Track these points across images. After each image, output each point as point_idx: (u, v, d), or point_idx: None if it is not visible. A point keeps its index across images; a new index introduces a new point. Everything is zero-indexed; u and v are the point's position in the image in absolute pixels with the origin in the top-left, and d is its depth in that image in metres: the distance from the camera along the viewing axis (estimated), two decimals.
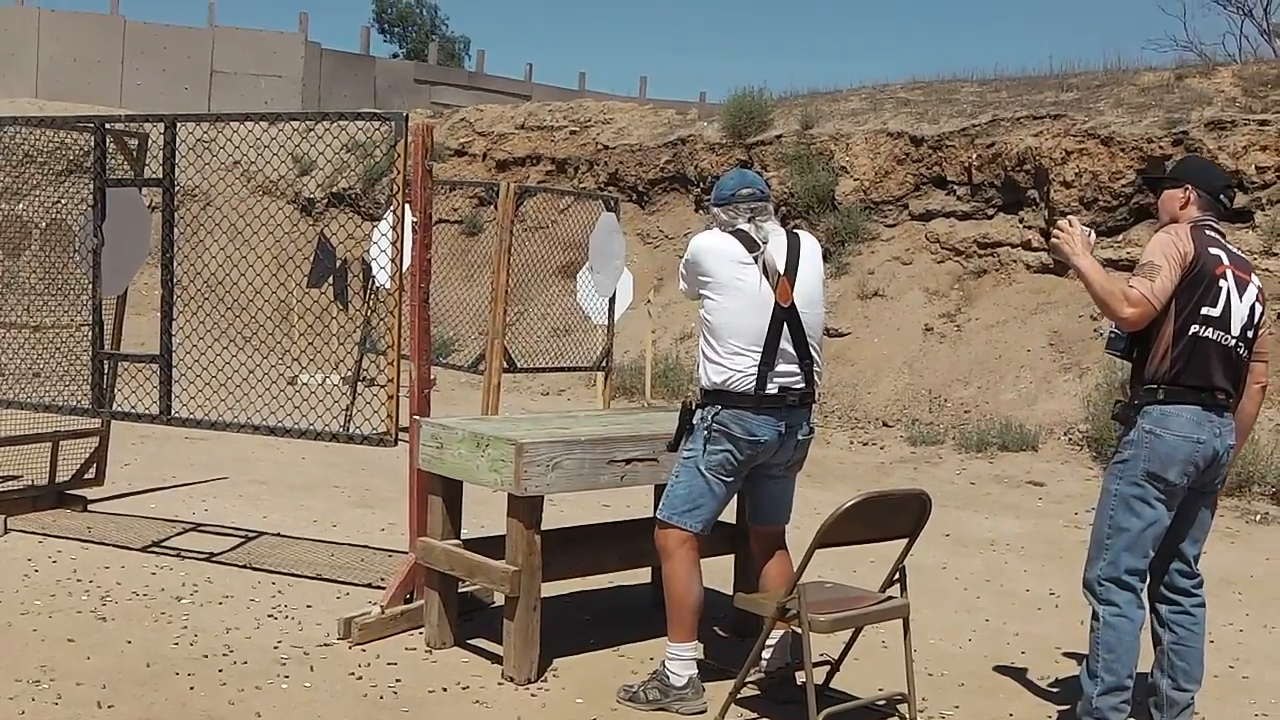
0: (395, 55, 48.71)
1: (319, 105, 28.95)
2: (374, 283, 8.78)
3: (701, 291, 5.22)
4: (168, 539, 7.82)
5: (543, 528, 5.56)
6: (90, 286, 7.47)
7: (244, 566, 7.25)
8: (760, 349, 5.12)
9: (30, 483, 8.57)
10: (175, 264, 7.09)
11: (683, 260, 5.39)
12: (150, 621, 6.18)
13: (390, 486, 9.52)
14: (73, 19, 28.90)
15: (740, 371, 5.12)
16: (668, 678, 5.26)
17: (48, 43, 28.23)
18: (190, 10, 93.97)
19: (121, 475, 9.48)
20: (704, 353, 5.24)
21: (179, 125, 7.09)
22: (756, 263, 5.15)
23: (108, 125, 7.60)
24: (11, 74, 27.35)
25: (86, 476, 8.75)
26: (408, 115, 6.45)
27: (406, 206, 6.31)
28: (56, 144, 9.24)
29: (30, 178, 9.29)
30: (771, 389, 5.15)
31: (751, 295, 5.13)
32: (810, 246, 5.38)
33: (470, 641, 6.01)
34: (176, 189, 7.11)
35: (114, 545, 7.58)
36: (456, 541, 5.93)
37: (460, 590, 6.13)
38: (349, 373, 11.36)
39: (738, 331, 5.12)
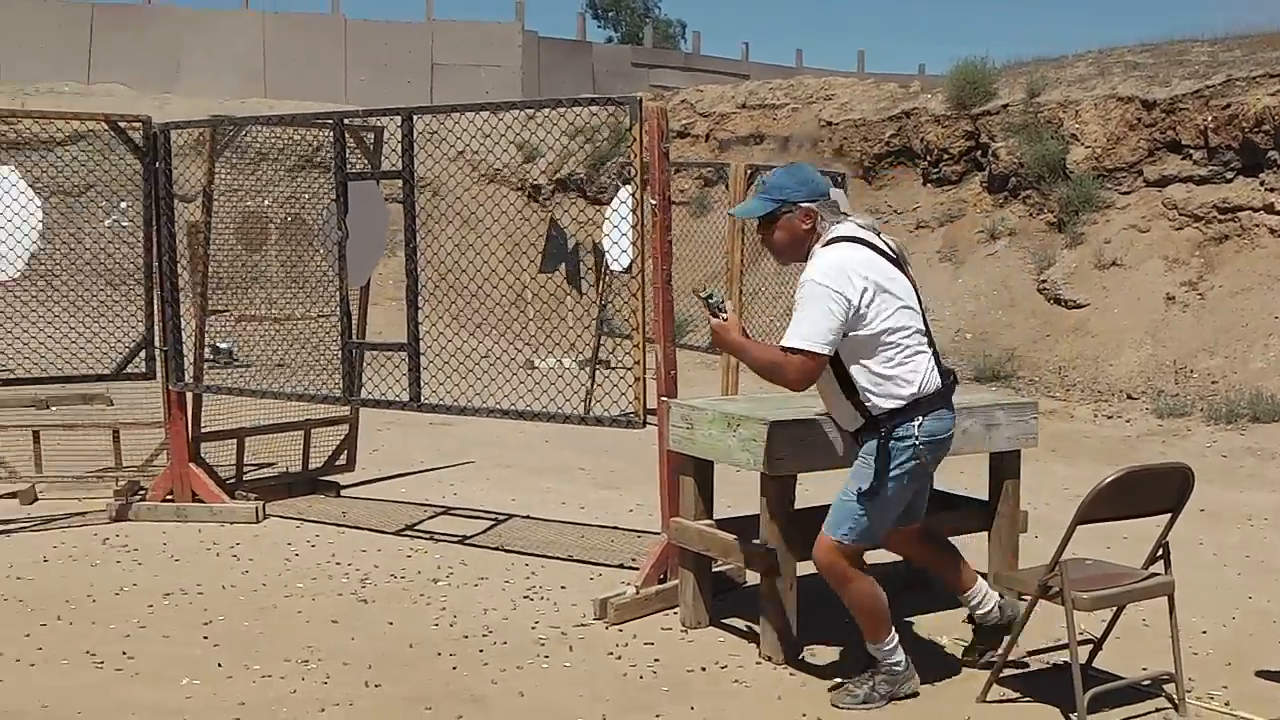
0: (610, 40, 49.19)
1: (539, 93, 29.35)
2: (608, 266, 8.84)
3: (866, 308, 4.77)
4: (420, 523, 7.99)
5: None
6: (336, 278, 7.64)
7: (496, 549, 7.36)
8: (926, 342, 4.92)
9: (285, 470, 8.84)
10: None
11: (825, 289, 4.77)
12: (409, 603, 6.32)
13: (633, 468, 9.53)
14: (296, 20, 29.89)
15: (925, 371, 4.86)
16: (892, 668, 5.03)
17: (274, 45, 29.19)
18: (408, 6, 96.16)
19: (370, 461, 9.70)
20: (875, 374, 4.82)
21: (414, 118, 7.20)
22: (893, 258, 4.95)
23: (345, 120, 7.77)
24: (241, 76, 28.31)
25: (338, 463, 9.01)
26: (641, 99, 6.43)
27: (637, 189, 6.32)
28: (287, 140, 9.51)
29: (264, 174, 9.57)
30: (948, 379, 4.98)
31: (904, 291, 4.89)
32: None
33: (725, 621, 5.98)
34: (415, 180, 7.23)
35: (369, 529, 7.78)
36: (709, 521, 5.91)
37: (712, 570, 6.11)
38: (583, 356, 11.49)
39: (909, 330, 4.85)
